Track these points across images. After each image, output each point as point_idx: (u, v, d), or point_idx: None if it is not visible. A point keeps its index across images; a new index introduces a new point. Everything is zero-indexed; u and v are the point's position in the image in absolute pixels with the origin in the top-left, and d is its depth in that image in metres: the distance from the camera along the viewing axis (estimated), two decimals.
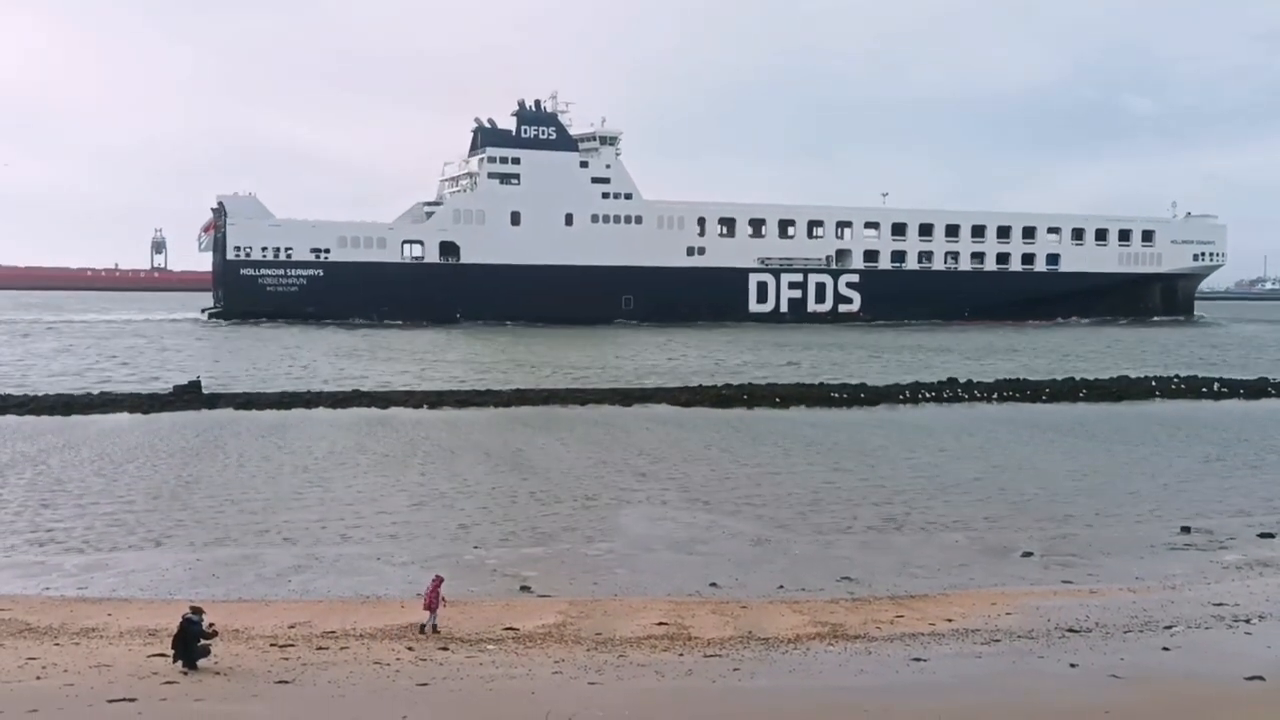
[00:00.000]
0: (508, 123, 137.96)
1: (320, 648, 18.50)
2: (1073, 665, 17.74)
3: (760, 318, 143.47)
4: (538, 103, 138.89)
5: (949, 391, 63.23)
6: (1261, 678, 16.83)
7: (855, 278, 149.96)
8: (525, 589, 23.27)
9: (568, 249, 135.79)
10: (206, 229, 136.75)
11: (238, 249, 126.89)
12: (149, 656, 17.50)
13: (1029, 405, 60.30)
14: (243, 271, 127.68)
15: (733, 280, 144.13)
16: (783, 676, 17.24)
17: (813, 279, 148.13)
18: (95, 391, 58.32)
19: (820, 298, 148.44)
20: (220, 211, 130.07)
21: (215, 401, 55.63)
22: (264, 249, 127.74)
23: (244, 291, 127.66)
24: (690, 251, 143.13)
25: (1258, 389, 66.74)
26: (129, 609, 21.30)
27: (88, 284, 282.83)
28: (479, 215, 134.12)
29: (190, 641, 16.74)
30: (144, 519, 29.91)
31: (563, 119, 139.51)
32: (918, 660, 18.06)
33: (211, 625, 17.20)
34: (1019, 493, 34.88)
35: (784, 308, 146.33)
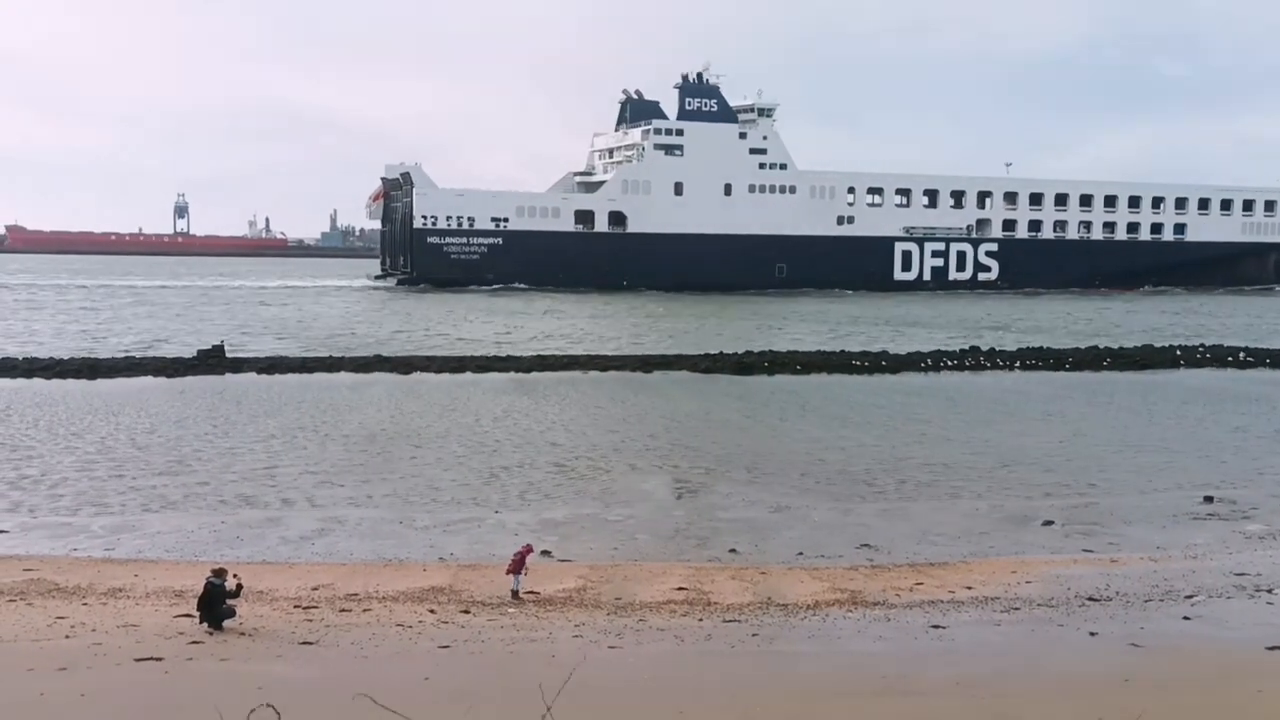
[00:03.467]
0: (655, 94, 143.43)
1: (343, 610, 18.69)
2: (1092, 634, 17.73)
3: (905, 285, 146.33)
4: (699, 75, 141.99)
5: (970, 360, 62.91)
6: None
7: (994, 246, 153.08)
8: (546, 554, 23.39)
9: (726, 218, 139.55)
10: (375, 198, 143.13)
11: (424, 218, 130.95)
12: (175, 617, 17.74)
13: (1051, 374, 60.00)
14: (429, 239, 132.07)
15: (880, 249, 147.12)
16: (801, 642, 17.31)
17: (954, 248, 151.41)
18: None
19: (961, 266, 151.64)
20: (399, 183, 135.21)
21: (239, 365, 56.01)
22: (448, 218, 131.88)
23: (430, 259, 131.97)
24: (840, 220, 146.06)
25: None
26: (155, 570, 21.57)
27: (112, 248, 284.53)
28: (645, 186, 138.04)
29: (214, 603, 16.96)
30: (168, 482, 30.21)
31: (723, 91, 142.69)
32: (937, 628, 18.09)
33: (237, 578, 17.36)
34: (1040, 461, 34.73)
35: (927, 276, 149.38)
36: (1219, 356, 65.98)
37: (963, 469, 33.41)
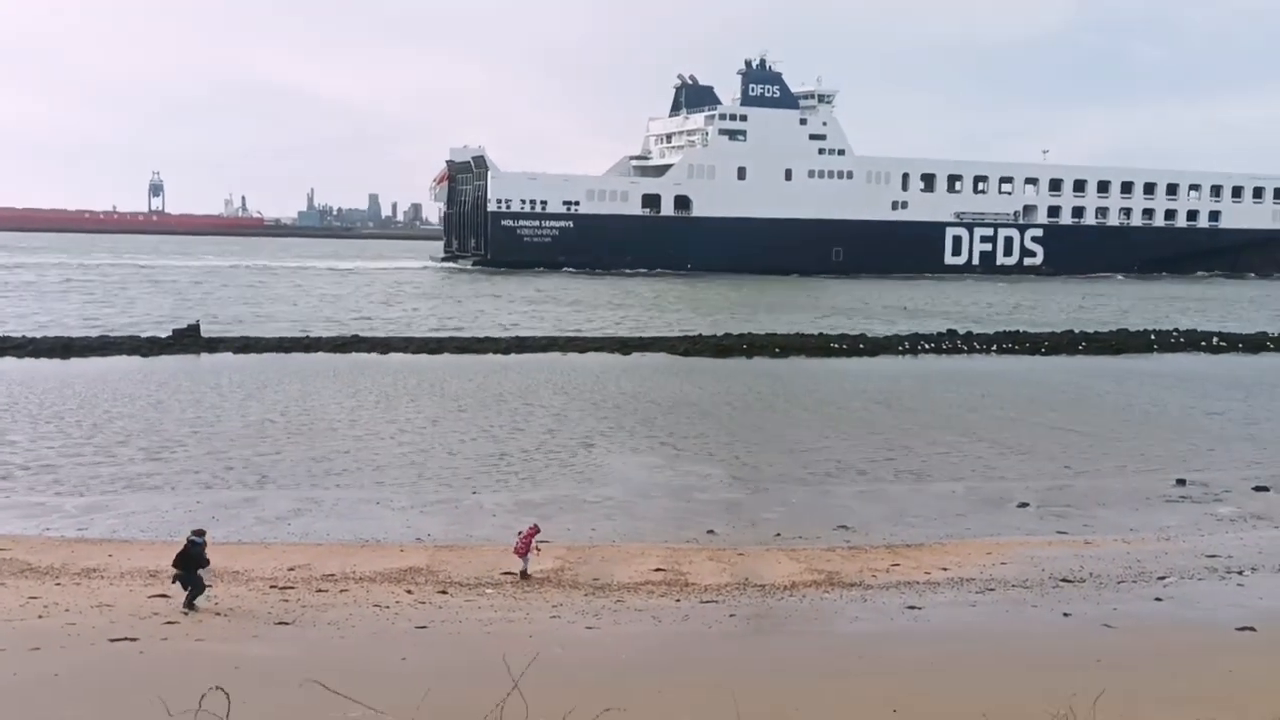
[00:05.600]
0: (709, 79, 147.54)
1: (320, 590, 18.64)
2: (1066, 614, 17.88)
3: (954, 269, 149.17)
4: (762, 61, 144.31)
5: (948, 343, 63.20)
6: (1252, 628, 16.97)
7: (1039, 232, 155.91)
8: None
9: (786, 203, 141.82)
10: (439, 180, 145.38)
11: (499, 201, 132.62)
12: (150, 597, 17.64)
13: (1027, 358, 60.34)
14: (504, 223, 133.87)
15: (931, 234, 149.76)
16: (778, 623, 17.39)
17: (1001, 233, 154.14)
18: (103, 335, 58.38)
19: (1008, 251, 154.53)
20: (468, 165, 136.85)
21: (215, 345, 55.62)
22: (522, 201, 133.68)
23: (505, 242, 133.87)
24: (894, 206, 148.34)
25: (1256, 343, 66.74)
26: (129, 550, 21.43)
27: (85, 226, 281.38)
28: (709, 170, 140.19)
29: (192, 564, 16.93)
30: (143, 461, 30.02)
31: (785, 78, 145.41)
32: (913, 608, 18.20)
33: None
34: (1015, 444, 34.98)
35: (975, 260, 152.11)
36: (1193, 341, 66.53)
37: (940, 451, 33.57)
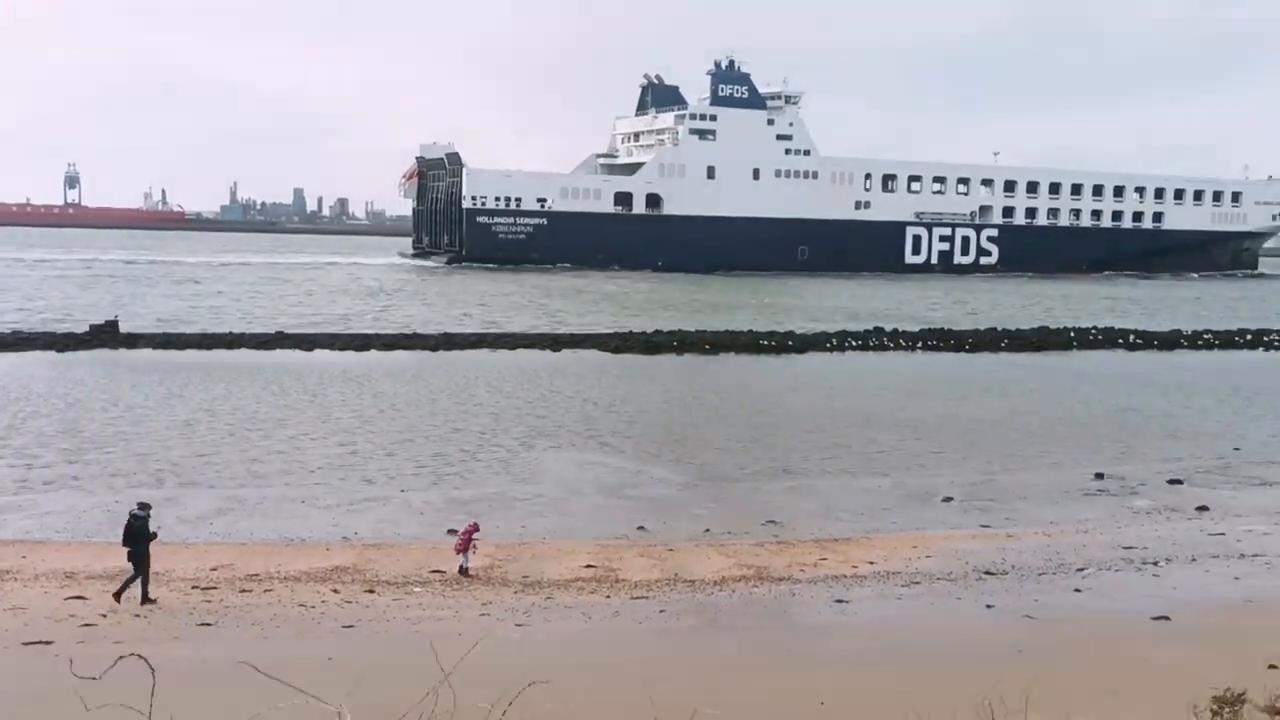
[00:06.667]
0: (674, 79, 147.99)
1: (244, 590, 18.30)
2: (989, 606, 18.23)
3: (914, 268, 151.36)
4: (731, 63, 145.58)
5: (874, 340, 64.01)
6: (1167, 618, 17.45)
7: (994, 232, 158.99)
8: (452, 532, 23.17)
9: (754, 202, 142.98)
10: (409, 177, 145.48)
11: (474, 198, 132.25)
12: (66, 599, 17.17)
13: (952, 354, 61.34)
14: (478, 219, 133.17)
15: (892, 233, 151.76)
16: (708, 618, 17.46)
17: (959, 233, 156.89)
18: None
19: (965, 250, 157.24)
20: (441, 163, 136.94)
21: (134, 341, 54.32)
22: (496, 199, 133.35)
23: (479, 238, 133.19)
24: (857, 205, 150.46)
25: (1171, 341, 68.63)
26: (44, 551, 20.83)
27: None
28: (680, 169, 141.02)
29: (140, 538, 17.11)
30: (58, 461, 29.20)
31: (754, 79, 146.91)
32: (840, 602, 18.41)
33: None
34: (940, 440, 35.55)
35: (934, 260, 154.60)
36: (1110, 338, 68.20)
37: (868, 447, 34.00)
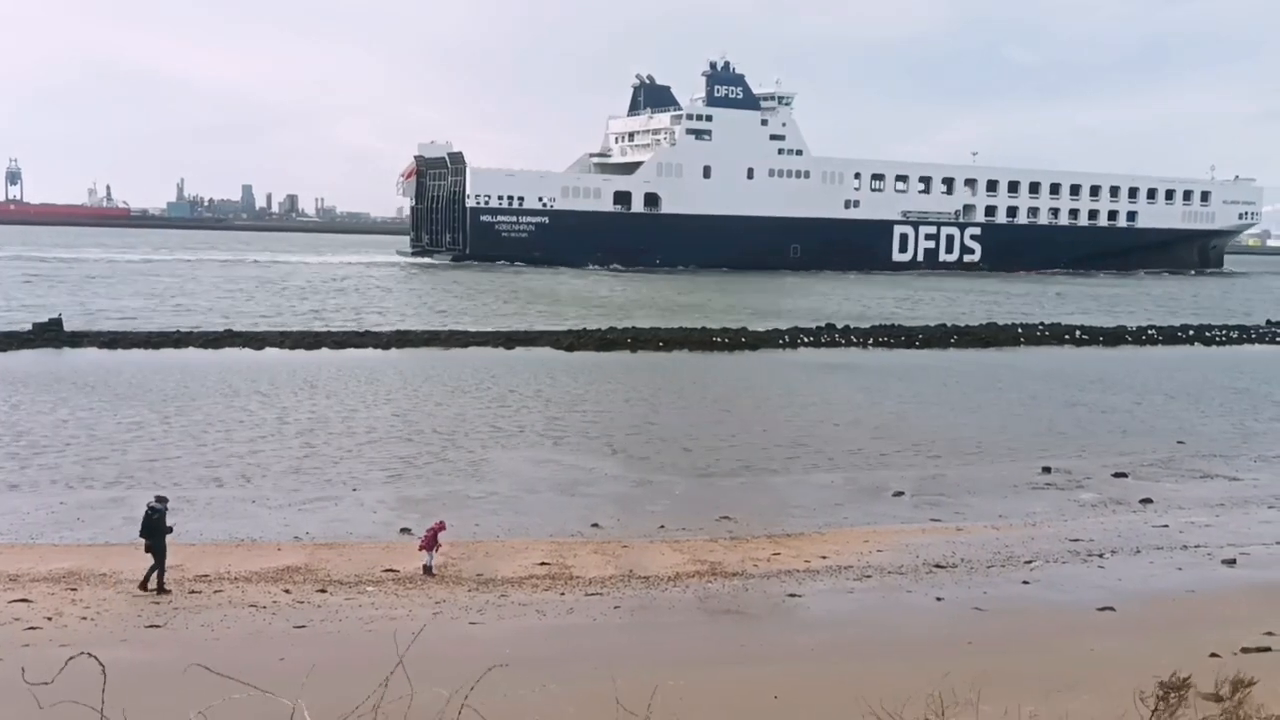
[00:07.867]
0: (666, 79, 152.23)
1: (193, 591, 18.08)
2: (939, 599, 18.47)
3: (901, 266, 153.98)
4: (726, 64, 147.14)
5: (826, 337, 64.45)
6: (1112, 608, 17.79)
7: (978, 230, 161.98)
8: (405, 531, 23.08)
9: (748, 201, 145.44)
10: (406, 175, 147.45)
11: (478, 197, 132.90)
12: (10, 603, 16.86)
13: (903, 351, 61.91)
14: (482, 218, 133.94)
15: (880, 231, 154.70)
16: (662, 614, 17.53)
17: (944, 231, 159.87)
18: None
19: (950, 248, 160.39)
20: (443, 161, 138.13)
21: (78, 340, 53.38)
22: (500, 198, 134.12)
23: (483, 236, 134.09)
24: (847, 204, 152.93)
25: (1116, 336, 69.81)
26: None
27: None
28: (677, 169, 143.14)
29: (156, 531, 17.83)
30: (0, 461, 28.62)
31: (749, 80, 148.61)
32: (794, 596, 18.55)
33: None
34: (890, 435, 35.90)
35: (920, 257, 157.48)
36: (1057, 334, 69.24)
37: (820, 443, 34.25)
